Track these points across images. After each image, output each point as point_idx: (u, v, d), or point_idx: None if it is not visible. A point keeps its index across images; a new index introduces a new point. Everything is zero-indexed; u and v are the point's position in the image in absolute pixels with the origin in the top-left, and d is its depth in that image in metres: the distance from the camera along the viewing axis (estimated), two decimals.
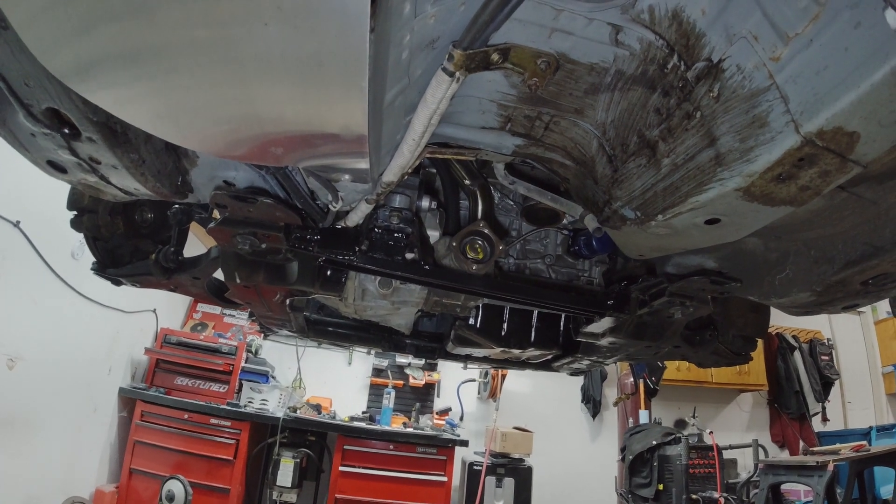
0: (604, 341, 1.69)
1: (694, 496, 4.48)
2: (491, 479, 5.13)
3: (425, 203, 1.35)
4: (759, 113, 0.77)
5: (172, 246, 1.60)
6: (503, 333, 1.96)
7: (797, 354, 7.18)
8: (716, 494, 4.40)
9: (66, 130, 0.86)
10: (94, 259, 1.73)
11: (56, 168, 1.00)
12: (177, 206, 1.52)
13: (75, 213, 1.61)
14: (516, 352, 2.13)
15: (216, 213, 1.15)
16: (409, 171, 1.05)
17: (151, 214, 1.73)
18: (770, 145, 0.75)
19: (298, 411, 5.00)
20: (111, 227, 1.64)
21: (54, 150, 0.93)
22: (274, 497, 4.68)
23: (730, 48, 0.80)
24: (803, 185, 0.80)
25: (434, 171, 1.51)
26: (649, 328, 1.66)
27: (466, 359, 2.44)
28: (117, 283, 1.73)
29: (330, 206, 1.04)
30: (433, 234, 1.43)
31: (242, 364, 5.14)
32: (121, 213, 1.67)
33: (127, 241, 1.71)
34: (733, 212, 0.86)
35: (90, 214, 1.59)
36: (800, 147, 0.72)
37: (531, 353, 2.14)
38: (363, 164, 0.80)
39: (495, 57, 0.81)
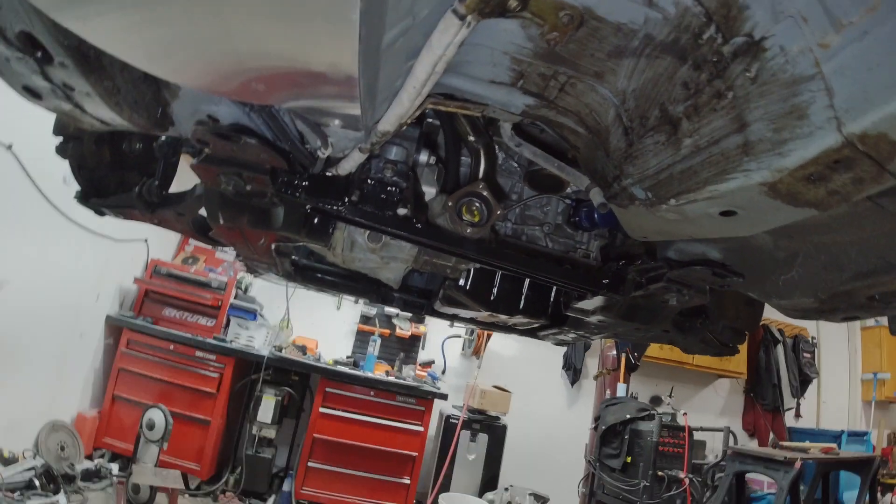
0: (593, 318, 1.65)
1: (660, 472, 4.58)
2: (466, 434, 5.24)
3: (423, 157, 1.27)
4: (798, 103, 0.69)
5: (157, 180, 1.52)
6: (492, 298, 1.92)
7: (780, 348, 7.27)
8: (681, 474, 4.49)
9: (39, 55, 0.79)
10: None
11: (32, 94, 0.93)
12: (163, 138, 1.43)
13: (61, 139, 1.53)
14: (504, 317, 2.10)
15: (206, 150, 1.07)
16: (408, 121, 0.97)
17: (140, 145, 1.64)
18: (807, 140, 0.68)
19: (284, 350, 5.03)
20: (97, 157, 1.56)
21: (29, 75, 0.86)
22: (253, 432, 4.76)
23: (775, 26, 0.71)
24: (833, 189, 0.73)
25: (437, 123, 1.43)
26: (641, 311, 1.61)
27: (453, 318, 2.41)
28: (100, 213, 1.66)
29: (318, 152, 0.97)
30: (429, 191, 1.35)
31: (231, 300, 5.14)
32: (107, 143, 1.58)
33: (113, 172, 1.63)
34: (752, 206, 0.79)
35: (76, 142, 1.51)
36: (839, 148, 0.65)
37: (518, 320, 2.11)
38: (354, 110, 0.72)
39: (513, 3, 0.72)
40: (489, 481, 5.26)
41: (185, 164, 1.57)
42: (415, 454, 4.88)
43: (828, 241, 1.13)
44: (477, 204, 1.27)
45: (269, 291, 5.71)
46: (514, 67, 0.94)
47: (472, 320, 2.39)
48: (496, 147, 1.49)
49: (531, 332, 2.32)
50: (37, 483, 3.58)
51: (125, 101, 0.87)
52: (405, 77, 0.82)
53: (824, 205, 0.74)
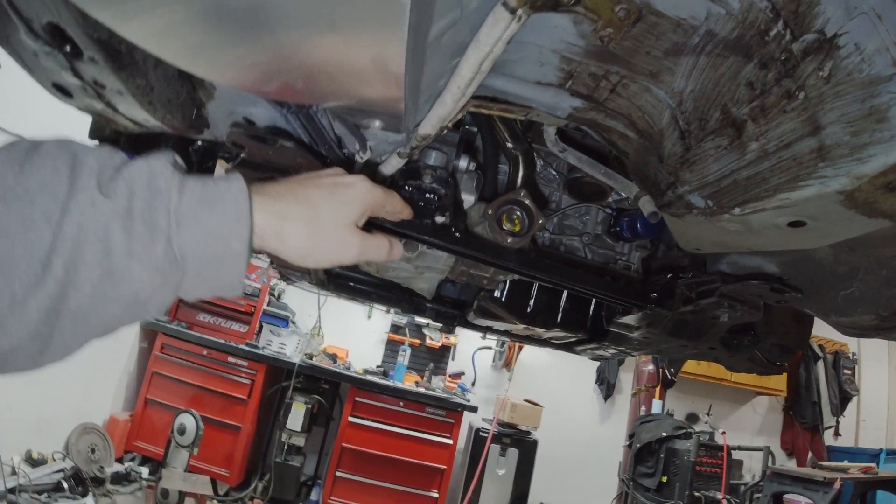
0: (636, 334, 1.57)
1: (697, 493, 4.42)
2: (495, 448, 5.15)
3: (463, 163, 1.23)
4: (878, 104, 0.63)
5: None
6: (529, 311, 1.85)
7: (820, 365, 7.02)
8: (719, 495, 4.32)
9: (68, 49, 0.78)
10: None
11: (62, 92, 0.92)
12: (199, 142, 1.42)
13: (97, 142, 1.54)
14: (540, 331, 2.03)
15: (242, 154, 1.05)
16: (449, 124, 0.93)
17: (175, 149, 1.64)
18: (888, 146, 0.62)
19: (314, 358, 5.05)
20: None
21: (58, 71, 0.84)
22: (283, 439, 4.78)
23: (848, 23, 0.65)
24: None
25: (475, 129, 1.38)
26: (689, 327, 1.53)
27: (486, 330, 2.35)
28: None
29: (357, 156, 0.93)
30: (468, 199, 1.31)
31: (264, 307, 5.19)
32: (144, 146, 1.59)
33: None
34: (825, 217, 0.72)
35: (112, 145, 1.52)
36: None
37: (555, 333, 2.04)
38: (397, 109, 0.69)
39: None
40: (519, 498, 5.15)
41: (220, 170, 1.56)
42: (443, 467, 4.81)
43: (890, 255, 1.05)
44: (518, 212, 1.22)
45: (301, 299, 5.75)
46: (563, 67, 0.89)
47: (506, 333, 2.32)
48: (535, 154, 1.44)
49: (567, 347, 2.24)
50: (65, 485, 3.64)
51: (159, 100, 0.85)
52: (449, 76, 0.78)
53: None
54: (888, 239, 0.99)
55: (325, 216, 0.69)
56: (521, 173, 1.36)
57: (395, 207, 0.81)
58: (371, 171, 1.01)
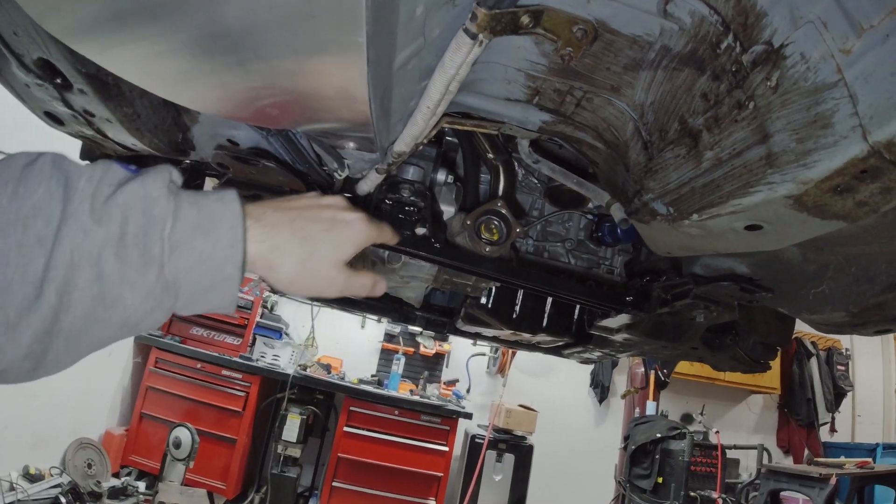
0: (618, 336, 1.61)
1: (692, 493, 4.44)
2: (492, 454, 5.15)
3: (441, 176, 1.27)
4: (822, 111, 0.66)
5: None
6: (514, 316, 1.89)
7: (813, 361, 7.07)
8: (714, 494, 4.35)
9: (59, 81, 0.82)
10: None
11: (54, 119, 0.95)
12: (187, 162, 1.46)
13: (87, 163, 1.57)
14: (527, 336, 2.06)
15: (227, 174, 1.09)
16: (424, 141, 0.97)
17: None
18: (832, 150, 0.65)
19: (308, 369, 5.05)
20: None
21: (49, 101, 0.88)
22: (279, 450, 4.77)
23: (794, 32, 0.69)
24: (861, 200, 0.70)
25: (456, 140, 1.42)
26: (668, 328, 1.57)
27: (476, 336, 2.38)
28: None
29: (336, 173, 0.97)
30: (447, 210, 1.35)
31: (257, 319, 5.19)
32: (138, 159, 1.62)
33: None
34: (779, 220, 0.76)
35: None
36: (865, 157, 0.62)
37: (542, 338, 2.07)
38: (367, 132, 0.72)
39: (525, 20, 0.71)
40: (516, 502, 5.16)
41: (209, 187, 1.59)
42: (440, 474, 4.82)
43: (857, 253, 1.09)
44: (495, 222, 1.26)
45: (294, 310, 5.76)
46: (529, 84, 0.93)
47: (494, 338, 2.36)
48: (515, 164, 1.48)
49: (555, 351, 2.27)
50: (62, 500, 3.63)
51: (145, 126, 0.88)
52: (419, 97, 0.82)
53: (852, 217, 0.71)
54: (854, 238, 1.03)
55: (317, 255, 0.70)
56: (501, 183, 1.40)
57: (385, 239, 0.83)
58: (350, 186, 1.05)
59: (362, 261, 1.29)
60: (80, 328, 0.53)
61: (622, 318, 1.49)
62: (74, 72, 0.77)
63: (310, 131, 0.80)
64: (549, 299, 1.90)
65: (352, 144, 0.81)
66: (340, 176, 0.98)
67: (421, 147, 0.99)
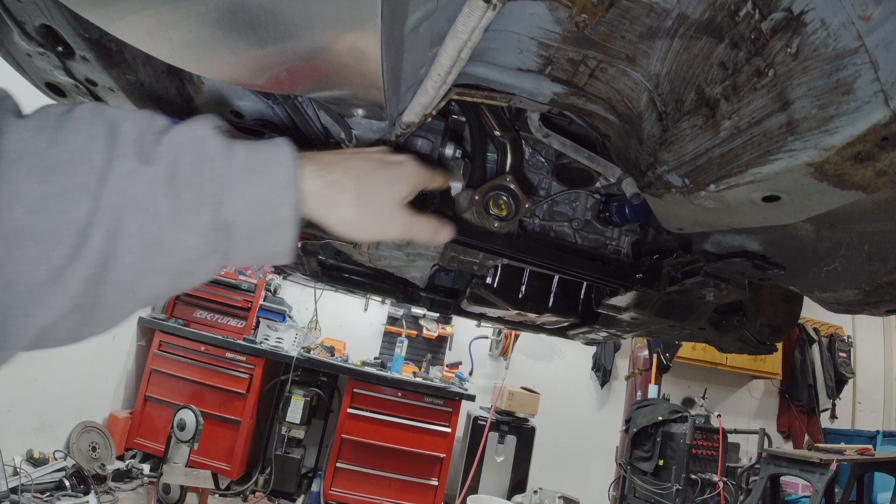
0: (626, 315, 1.60)
1: (693, 476, 4.47)
2: (494, 436, 5.19)
3: (449, 151, 1.25)
4: (843, 77, 0.65)
5: None
6: (520, 296, 1.88)
7: (815, 348, 7.08)
8: (715, 477, 4.38)
9: (61, 49, 0.80)
10: None
11: (55, 91, 0.93)
12: None
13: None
14: (532, 316, 2.06)
15: None
16: (434, 112, 0.95)
17: None
18: (854, 116, 0.63)
19: (312, 352, 5.07)
20: None
21: (51, 70, 0.86)
22: (283, 432, 4.81)
23: None
24: (881, 169, 0.68)
25: (463, 119, 1.40)
26: (676, 307, 1.56)
27: (480, 317, 2.38)
28: None
29: (343, 144, 0.95)
30: (455, 186, 1.33)
31: (261, 302, 5.20)
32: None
33: None
34: (798, 190, 0.75)
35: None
36: (888, 123, 0.61)
37: (547, 318, 2.07)
38: (377, 97, 0.70)
39: None
40: (518, 484, 5.21)
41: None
42: (442, 455, 4.86)
43: (872, 230, 1.07)
44: (504, 197, 1.25)
45: (297, 293, 5.77)
46: (542, 53, 0.91)
47: (499, 319, 2.35)
48: (523, 142, 1.46)
49: (560, 332, 2.27)
50: (67, 484, 3.67)
51: (149, 95, 0.87)
52: (429, 64, 0.80)
53: (872, 187, 0.69)
54: (867, 214, 1.02)
55: (375, 189, 0.68)
56: (508, 160, 1.38)
57: (437, 184, 0.80)
58: None
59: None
60: (132, 277, 0.50)
61: (630, 297, 1.48)
62: (77, 37, 0.76)
63: (319, 97, 0.78)
64: (556, 278, 1.89)
65: (361, 111, 0.79)
66: (347, 147, 0.96)
67: (429, 119, 0.98)
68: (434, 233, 0.77)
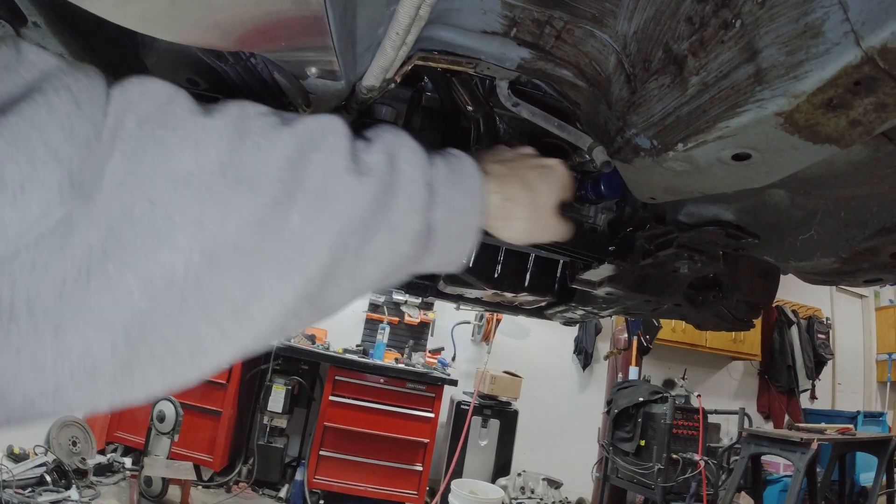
0: (600, 291, 1.59)
1: (674, 455, 4.53)
2: (477, 420, 5.21)
3: (416, 120, 1.21)
4: (812, 21, 0.62)
5: None
6: (496, 276, 1.87)
7: (794, 329, 7.19)
8: (696, 457, 4.43)
9: (12, 16, 0.75)
10: None
11: None
12: None
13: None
14: (509, 296, 2.04)
15: None
16: (397, 77, 0.91)
17: None
18: (824, 59, 0.61)
19: (293, 340, 5.02)
20: None
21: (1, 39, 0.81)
22: (265, 421, 4.77)
23: None
24: (855, 118, 0.66)
25: (437, 96, 1.36)
26: (651, 281, 1.55)
27: (458, 298, 2.36)
28: None
29: (300, 110, 0.91)
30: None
31: None
32: None
33: None
34: (768, 146, 0.72)
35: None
36: (859, 65, 0.58)
37: (524, 298, 2.05)
38: (328, 55, 0.67)
39: None
40: (502, 467, 5.24)
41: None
42: (426, 441, 4.86)
43: (848, 196, 1.06)
44: None
45: None
46: (506, 14, 0.88)
47: (477, 300, 2.33)
48: (497, 119, 1.43)
49: (538, 312, 2.26)
50: (48, 479, 3.61)
51: (101, 63, 0.82)
52: (388, 23, 0.76)
53: (846, 139, 0.67)
54: (843, 177, 1.00)
55: (541, 200, 0.73)
56: (482, 136, 1.35)
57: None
58: None
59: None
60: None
61: (604, 270, 1.46)
62: (29, 2, 0.72)
63: (268, 53, 0.74)
64: (532, 257, 1.87)
65: (314, 70, 0.75)
66: (304, 112, 0.92)
67: (393, 84, 0.94)
68: (568, 233, 0.84)
